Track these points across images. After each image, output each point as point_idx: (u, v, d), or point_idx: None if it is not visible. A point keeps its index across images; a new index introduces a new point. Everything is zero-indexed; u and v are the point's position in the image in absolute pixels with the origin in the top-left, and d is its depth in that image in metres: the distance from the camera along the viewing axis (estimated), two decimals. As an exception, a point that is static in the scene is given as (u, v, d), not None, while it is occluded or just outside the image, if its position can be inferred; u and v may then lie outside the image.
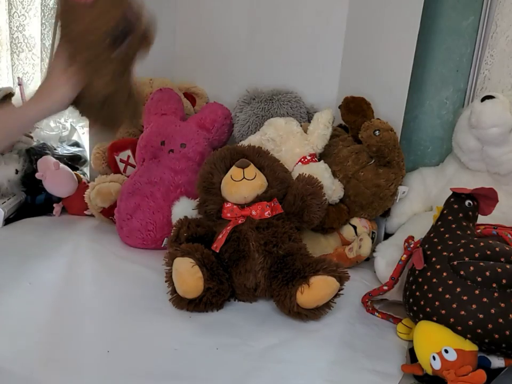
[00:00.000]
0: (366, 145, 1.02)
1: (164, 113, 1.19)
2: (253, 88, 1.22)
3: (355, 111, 1.07)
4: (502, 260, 0.73)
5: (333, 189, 1.02)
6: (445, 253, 0.76)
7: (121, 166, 1.26)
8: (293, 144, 1.05)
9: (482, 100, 0.97)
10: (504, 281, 0.70)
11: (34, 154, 1.25)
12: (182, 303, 0.86)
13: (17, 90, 1.36)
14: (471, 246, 0.75)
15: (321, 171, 1.00)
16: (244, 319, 0.85)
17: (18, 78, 1.42)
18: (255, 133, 1.14)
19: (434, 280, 0.75)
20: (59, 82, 0.77)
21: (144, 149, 1.14)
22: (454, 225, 0.80)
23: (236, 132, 1.20)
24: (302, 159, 1.04)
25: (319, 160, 1.06)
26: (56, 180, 1.20)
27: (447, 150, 1.13)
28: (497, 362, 0.73)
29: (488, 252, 0.74)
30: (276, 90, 1.20)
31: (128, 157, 1.25)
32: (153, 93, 1.22)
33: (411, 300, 0.77)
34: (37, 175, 1.18)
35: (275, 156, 1.02)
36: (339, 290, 0.85)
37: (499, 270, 0.71)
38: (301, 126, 1.10)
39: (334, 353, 0.77)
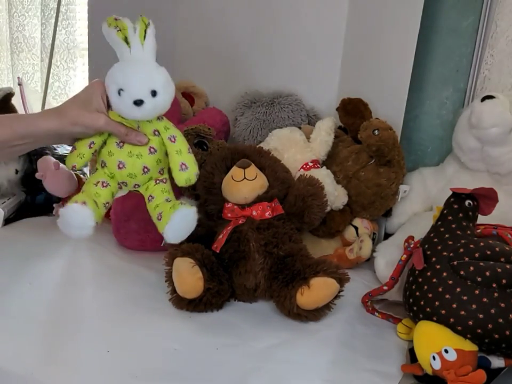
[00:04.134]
0: (366, 145, 1.02)
1: (161, 114, 1.18)
2: (252, 91, 1.22)
3: (353, 112, 1.07)
4: (502, 259, 0.73)
5: (335, 195, 1.01)
6: (445, 253, 0.76)
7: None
8: (295, 151, 1.05)
9: (482, 99, 0.97)
10: (504, 281, 0.70)
11: (34, 154, 1.24)
12: (181, 303, 0.86)
13: (17, 90, 1.36)
14: (471, 246, 0.75)
15: (322, 177, 0.99)
16: (244, 319, 0.85)
17: (18, 78, 1.42)
18: (256, 137, 1.15)
19: (434, 280, 0.75)
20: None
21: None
22: (454, 225, 0.80)
23: (236, 135, 1.20)
24: (304, 166, 1.04)
25: (322, 167, 1.06)
26: (56, 180, 1.19)
27: (447, 150, 1.13)
28: (497, 362, 0.73)
29: (488, 252, 0.74)
30: (276, 93, 1.19)
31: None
32: (151, 93, 1.22)
33: (411, 300, 0.77)
34: (37, 175, 1.18)
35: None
36: (339, 292, 0.85)
37: (499, 270, 0.71)
38: (301, 128, 1.11)
39: (333, 353, 0.77)
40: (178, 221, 0.78)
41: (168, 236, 0.79)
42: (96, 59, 1.30)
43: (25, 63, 1.70)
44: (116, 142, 0.79)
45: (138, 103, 0.74)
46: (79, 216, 0.75)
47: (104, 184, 0.80)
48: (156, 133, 0.80)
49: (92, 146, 0.80)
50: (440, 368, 0.69)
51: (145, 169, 0.80)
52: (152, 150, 0.80)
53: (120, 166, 0.79)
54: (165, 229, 0.78)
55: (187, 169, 0.80)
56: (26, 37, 1.68)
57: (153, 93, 0.75)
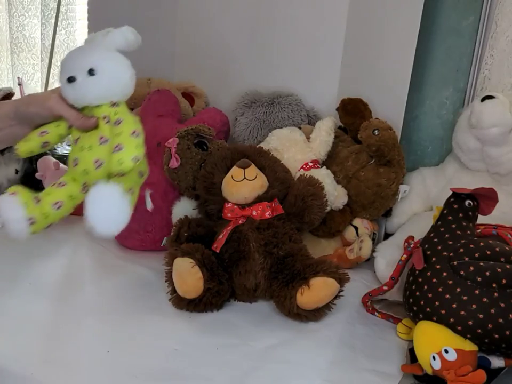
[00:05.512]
0: (366, 145, 1.02)
1: (161, 114, 1.18)
2: (252, 91, 1.22)
3: (353, 112, 1.07)
4: (502, 259, 0.73)
5: (335, 195, 1.01)
6: (445, 253, 0.76)
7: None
8: (295, 151, 1.06)
9: (482, 99, 0.97)
10: (504, 281, 0.70)
11: (34, 154, 1.25)
12: (181, 303, 0.86)
13: (17, 90, 1.36)
14: (471, 246, 0.75)
15: (322, 177, 0.99)
16: (244, 319, 0.85)
17: (18, 78, 1.42)
18: (256, 137, 1.15)
19: (434, 280, 0.75)
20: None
21: (139, 149, 1.13)
22: (454, 225, 0.80)
23: (236, 135, 1.20)
24: (304, 166, 1.04)
25: (322, 167, 1.06)
26: (56, 180, 1.19)
27: (447, 150, 1.13)
28: (497, 362, 0.73)
29: (488, 252, 0.74)
30: (276, 93, 1.20)
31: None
32: (151, 93, 1.22)
33: (411, 300, 0.77)
34: (37, 175, 1.18)
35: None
36: (339, 292, 0.85)
37: (499, 270, 0.71)
38: (301, 128, 1.11)
39: (333, 353, 0.77)
40: (94, 199, 0.68)
41: (89, 219, 0.68)
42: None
43: (25, 63, 1.70)
44: (74, 140, 0.74)
45: (70, 79, 0.69)
46: (4, 206, 0.70)
47: (61, 184, 0.75)
48: (107, 119, 0.71)
49: (43, 134, 0.74)
50: (440, 368, 0.69)
51: (97, 163, 0.71)
52: (102, 139, 0.71)
53: (74, 163, 0.73)
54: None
55: (120, 150, 0.66)
56: (26, 37, 1.68)
57: (90, 71, 0.68)
